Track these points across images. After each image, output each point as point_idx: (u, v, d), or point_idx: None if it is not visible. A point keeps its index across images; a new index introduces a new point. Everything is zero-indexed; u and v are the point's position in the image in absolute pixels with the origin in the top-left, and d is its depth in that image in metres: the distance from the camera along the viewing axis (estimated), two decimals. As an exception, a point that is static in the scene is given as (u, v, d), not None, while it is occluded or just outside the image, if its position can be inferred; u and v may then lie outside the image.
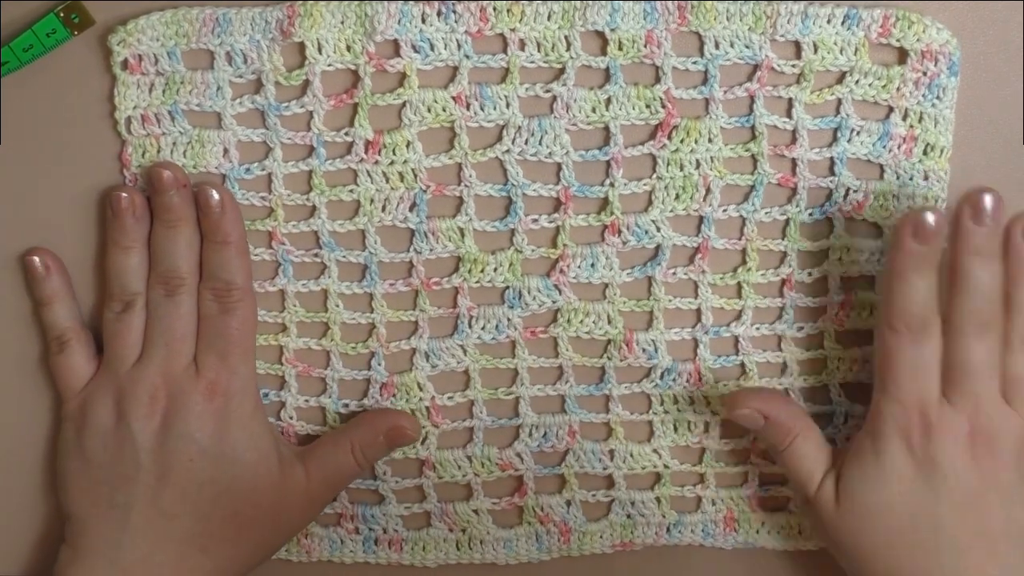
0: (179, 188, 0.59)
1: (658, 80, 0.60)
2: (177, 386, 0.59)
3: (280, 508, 0.60)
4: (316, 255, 0.62)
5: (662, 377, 0.63)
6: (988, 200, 0.54)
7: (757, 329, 0.62)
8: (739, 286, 0.62)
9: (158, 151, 0.60)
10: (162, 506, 0.58)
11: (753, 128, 0.60)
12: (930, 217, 0.54)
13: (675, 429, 0.63)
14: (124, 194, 0.59)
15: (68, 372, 0.60)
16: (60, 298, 0.61)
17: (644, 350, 0.62)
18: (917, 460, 0.56)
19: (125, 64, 0.59)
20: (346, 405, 0.63)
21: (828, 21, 0.59)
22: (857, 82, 0.59)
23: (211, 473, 0.58)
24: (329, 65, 0.59)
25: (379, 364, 0.63)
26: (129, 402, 0.58)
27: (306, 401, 0.63)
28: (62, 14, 0.59)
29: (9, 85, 0.60)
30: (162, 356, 0.59)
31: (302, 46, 0.59)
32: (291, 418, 0.63)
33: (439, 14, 0.59)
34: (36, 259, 0.61)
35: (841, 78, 0.60)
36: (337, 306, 0.62)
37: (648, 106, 0.60)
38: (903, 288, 0.55)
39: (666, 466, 0.64)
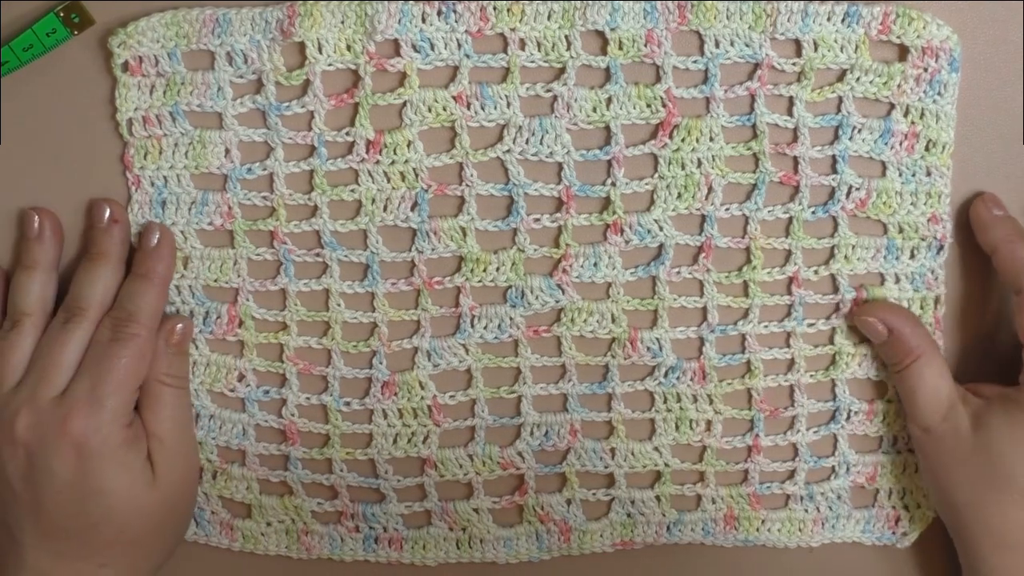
0: (111, 224, 0.59)
1: (659, 79, 0.59)
2: (41, 417, 0.57)
3: (164, 512, 0.60)
4: (318, 255, 0.62)
5: (666, 375, 0.63)
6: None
7: (765, 327, 0.62)
8: (745, 284, 0.62)
9: (160, 152, 0.61)
10: (44, 530, 0.57)
11: (754, 126, 0.60)
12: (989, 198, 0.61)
13: (676, 427, 0.63)
14: (36, 216, 0.59)
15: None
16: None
17: (648, 348, 0.62)
18: None
19: (126, 66, 0.59)
20: (347, 403, 0.63)
21: (828, 19, 0.59)
22: (858, 79, 0.59)
23: (82, 505, 0.57)
24: (329, 65, 0.59)
25: (380, 363, 0.63)
26: (0, 427, 0.58)
27: (307, 399, 0.63)
28: (62, 14, 0.59)
29: (11, 87, 0.60)
30: (34, 383, 0.58)
31: (302, 46, 0.59)
32: (293, 415, 0.63)
33: (439, 14, 0.59)
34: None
35: (842, 76, 0.60)
36: (339, 305, 0.62)
37: (649, 105, 0.60)
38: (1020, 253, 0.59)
39: (667, 464, 0.64)
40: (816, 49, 0.59)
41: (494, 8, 0.59)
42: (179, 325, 0.61)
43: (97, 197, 0.60)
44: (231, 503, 0.65)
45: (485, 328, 0.62)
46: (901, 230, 0.61)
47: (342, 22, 0.59)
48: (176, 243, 0.61)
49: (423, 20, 0.59)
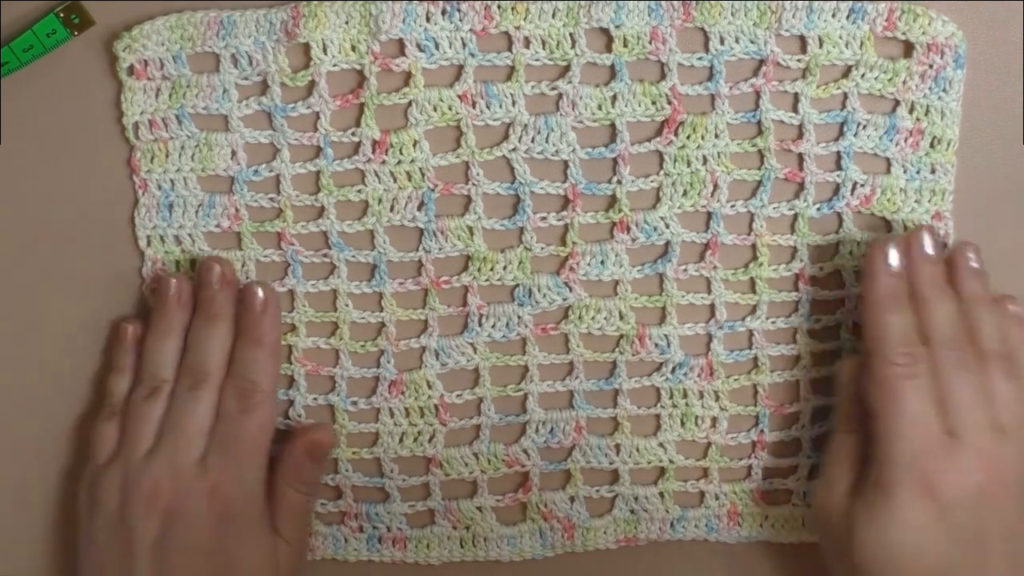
0: (224, 284, 0.59)
1: (664, 76, 0.60)
2: (181, 484, 0.57)
3: None
4: (325, 255, 0.62)
5: (673, 371, 0.63)
6: (929, 238, 0.58)
7: (772, 323, 0.62)
8: (752, 281, 0.62)
9: (166, 155, 0.61)
10: None
11: (759, 123, 0.60)
12: (896, 247, 0.57)
13: (682, 424, 0.63)
14: (173, 281, 0.59)
15: (106, 440, 0.60)
16: (132, 371, 0.61)
17: (657, 345, 0.62)
18: (928, 501, 0.55)
19: (131, 70, 0.59)
20: (355, 403, 0.63)
21: (833, 15, 0.59)
22: (863, 76, 0.59)
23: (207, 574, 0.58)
24: (334, 65, 0.59)
25: (388, 362, 0.63)
26: (132, 494, 0.58)
27: (315, 399, 0.63)
28: (62, 14, 0.59)
29: (14, 89, 0.60)
30: (171, 451, 0.58)
31: (307, 47, 0.59)
32: (300, 416, 0.63)
33: (443, 13, 0.59)
34: (129, 328, 0.61)
35: (847, 72, 0.60)
36: (346, 305, 0.62)
37: (654, 102, 0.60)
38: (892, 319, 0.57)
39: (671, 461, 0.64)
40: (821, 45, 0.59)
41: (498, 7, 0.59)
42: (322, 438, 0.61)
43: (208, 256, 0.61)
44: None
45: (493, 327, 0.62)
46: (905, 228, 0.61)
47: (346, 22, 0.59)
48: (279, 307, 0.61)
49: (427, 19, 0.59)
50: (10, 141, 0.61)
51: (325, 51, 0.59)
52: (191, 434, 0.58)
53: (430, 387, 0.63)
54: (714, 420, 0.63)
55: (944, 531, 0.55)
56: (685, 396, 0.63)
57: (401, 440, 0.64)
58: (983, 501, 0.55)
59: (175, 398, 0.59)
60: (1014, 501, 0.56)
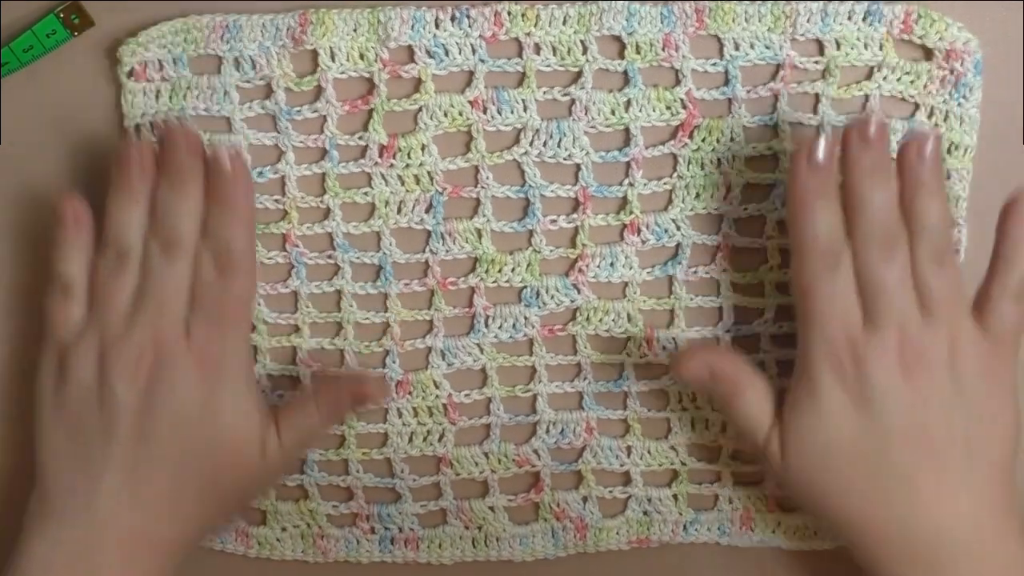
0: (190, 147, 0.57)
1: (678, 82, 0.59)
2: (166, 351, 0.56)
3: (255, 476, 0.59)
4: (330, 256, 0.61)
5: (682, 375, 0.62)
6: (873, 124, 0.54)
7: (780, 327, 0.62)
8: (761, 284, 0.61)
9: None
10: (138, 470, 0.56)
11: (776, 126, 0.59)
12: (822, 144, 0.54)
13: (692, 427, 0.63)
14: (134, 145, 0.57)
15: (63, 319, 0.58)
16: (79, 248, 0.58)
17: (665, 347, 0.62)
18: (852, 393, 0.55)
19: (130, 72, 0.59)
20: (360, 402, 0.63)
21: (849, 18, 0.58)
22: (885, 78, 0.59)
23: (194, 443, 0.57)
24: (342, 73, 0.59)
25: (394, 362, 0.63)
26: (114, 361, 0.56)
27: (320, 399, 0.63)
28: (62, 15, 0.58)
29: (15, 90, 0.60)
30: (152, 318, 0.57)
31: (314, 53, 0.58)
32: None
33: (453, 19, 0.58)
34: (70, 205, 0.58)
35: (870, 74, 0.59)
36: (351, 306, 0.62)
37: (669, 107, 0.59)
38: (810, 218, 0.55)
39: (683, 463, 0.64)
40: (839, 48, 0.58)
41: (508, 13, 0.58)
42: (375, 395, 0.60)
43: (167, 119, 0.59)
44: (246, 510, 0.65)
45: (500, 328, 0.62)
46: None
47: (354, 30, 0.58)
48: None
49: (437, 26, 0.58)
50: (10, 142, 0.61)
51: (333, 58, 0.58)
52: (170, 300, 0.57)
53: (437, 387, 0.63)
54: (724, 424, 0.63)
55: (871, 421, 0.55)
56: (694, 400, 0.63)
57: (411, 440, 0.64)
58: (910, 386, 0.55)
59: (147, 265, 0.57)
60: (950, 384, 0.55)
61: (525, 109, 0.59)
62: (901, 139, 0.57)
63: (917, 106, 0.59)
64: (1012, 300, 0.56)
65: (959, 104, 0.59)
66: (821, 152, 0.54)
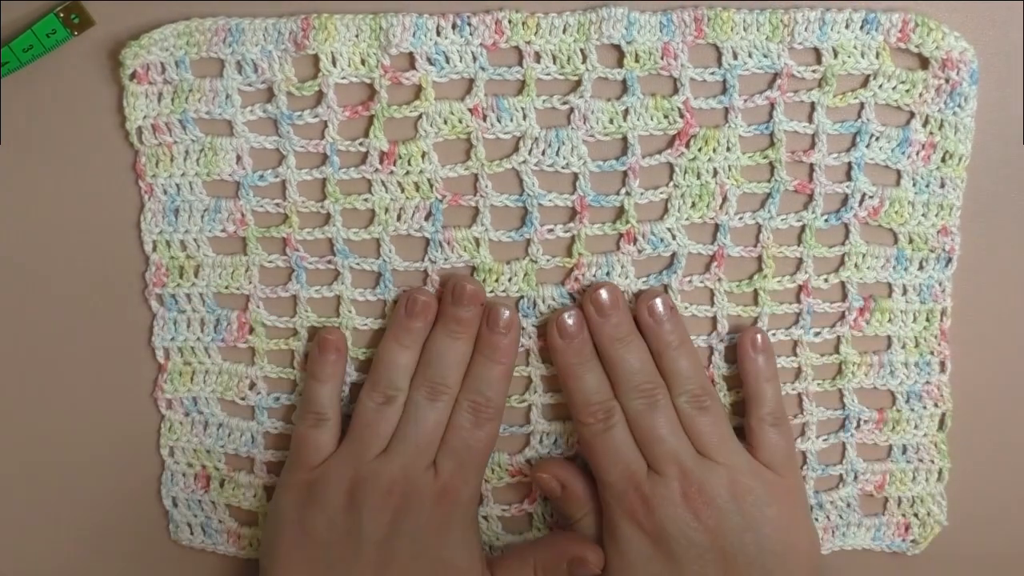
0: (476, 304, 0.60)
1: (676, 91, 0.59)
2: (414, 485, 0.59)
3: None
4: (330, 262, 0.61)
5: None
6: (604, 294, 0.60)
7: (773, 335, 0.62)
8: (755, 293, 0.62)
9: (171, 160, 0.60)
10: None
11: (772, 135, 0.60)
12: (568, 318, 0.60)
13: (686, 435, 0.63)
14: (423, 298, 0.60)
15: (313, 447, 0.61)
16: (335, 379, 0.62)
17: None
18: (652, 535, 0.59)
19: (132, 74, 0.59)
20: (359, 408, 0.63)
21: (846, 26, 0.58)
22: (881, 86, 0.59)
23: (425, 569, 0.59)
24: (343, 78, 0.59)
25: (391, 369, 0.63)
26: (365, 491, 0.59)
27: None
28: (62, 14, 0.58)
29: (16, 91, 0.60)
30: (408, 454, 0.59)
31: (315, 58, 0.59)
32: (303, 420, 0.63)
33: (454, 27, 0.58)
34: (330, 338, 0.61)
35: (865, 82, 0.59)
36: (350, 312, 0.62)
37: (666, 116, 0.59)
38: (576, 384, 0.60)
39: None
40: (836, 56, 0.59)
41: (509, 21, 0.58)
42: (593, 556, 0.61)
43: (462, 275, 0.62)
44: (238, 511, 0.65)
45: (496, 336, 0.62)
46: (911, 240, 0.61)
47: (356, 36, 0.58)
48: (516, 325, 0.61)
49: (438, 33, 0.58)
50: (11, 142, 0.61)
51: (334, 63, 0.59)
52: (426, 440, 0.60)
53: (434, 396, 0.63)
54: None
55: (671, 561, 0.58)
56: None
57: (405, 447, 0.64)
58: (699, 520, 0.58)
59: (411, 405, 0.60)
60: (738, 516, 0.58)
61: (524, 117, 0.59)
62: (636, 303, 0.61)
63: (912, 115, 0.60)
64: (771, 428, 0.61)
65: (954, 113, 0.59)
66: (568, 326, 0.60)
